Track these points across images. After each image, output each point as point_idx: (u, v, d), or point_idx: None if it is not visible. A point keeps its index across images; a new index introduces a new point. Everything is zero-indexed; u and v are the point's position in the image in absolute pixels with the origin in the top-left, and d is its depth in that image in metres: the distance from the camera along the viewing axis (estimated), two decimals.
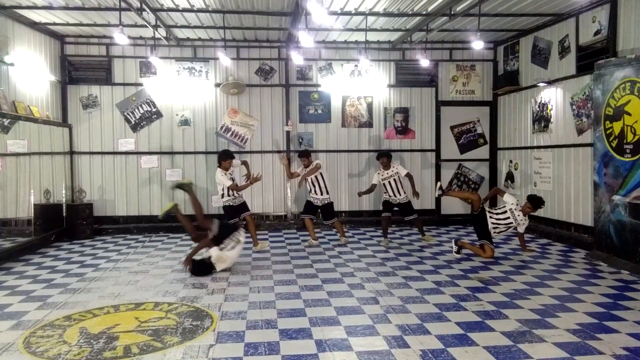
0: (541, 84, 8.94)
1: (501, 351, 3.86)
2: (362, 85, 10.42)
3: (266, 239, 8.84)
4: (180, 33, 9.43)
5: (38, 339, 4.22)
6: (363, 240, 8.78)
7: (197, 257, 6.53)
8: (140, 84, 9.95)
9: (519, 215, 7.23)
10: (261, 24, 8.88)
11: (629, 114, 6.33)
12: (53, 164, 9.19)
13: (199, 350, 3.94)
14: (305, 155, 8.40)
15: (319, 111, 10.38)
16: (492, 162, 10.71)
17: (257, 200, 10.09)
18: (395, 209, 8.58)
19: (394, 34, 9.56)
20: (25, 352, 3.97)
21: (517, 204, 7.31)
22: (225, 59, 9.13)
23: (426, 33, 8.91)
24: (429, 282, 5.95)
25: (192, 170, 10.07)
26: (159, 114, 10.00)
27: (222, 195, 7.91)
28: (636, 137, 6.21)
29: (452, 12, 7.86)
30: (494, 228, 7.26)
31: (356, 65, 10.34)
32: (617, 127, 6.55)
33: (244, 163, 8.33)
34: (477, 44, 8.17)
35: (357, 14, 8.14)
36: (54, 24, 8.69)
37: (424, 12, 8.11)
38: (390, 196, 8.47)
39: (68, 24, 8.75)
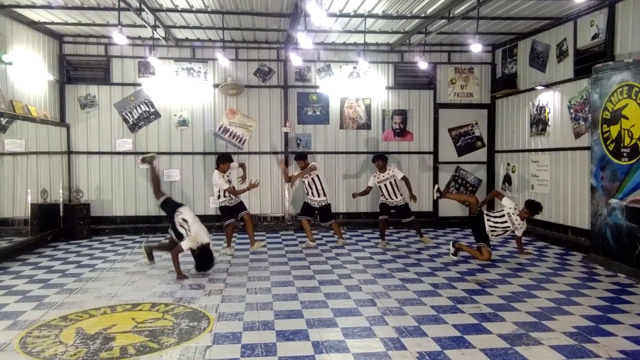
0: (539, 87, 8.96)
1: (498, 354, 3.86)
2: (360, 87, 10.43)
3: (263, 240, 8.84)
4: (179, 33, 9.43)
5: (34, 339, 4.21)
6: (360, 242, 8.79)
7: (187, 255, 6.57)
8: (139, 84, 9.94)
9: (516, 219, 7.25)
10: (260, 25, 8.89)
11: (626, 118, 6.35)
12: (50, 163, 9.17)
13: (196, 351, 3.94)
14: (302, 158, 8.40)
15: (318, 113, 10.39)
16: (490, 164, 10.73)
17: (254, 202, 10.08)
18: (393, 211, 8.59)
19: (393, 36, 9.58)
20: (21, 352, 3.96)
21: (515, 208, 7.32)
22: (223, 60, 9.13)
23: (425, 35, 8.93)
24: (426, 284, 5.96)
25: (190, 170, 10.07)
26: (157, 114, 9.99)
27: (219, 197, 7.91)
28: (633, 141, 6.23)
29: (451, 15, 7.88)
30: (492, 231, 7.28)
31: (355, 67, 10.36)
32: (614, 130, 6.57)
33: (242, 165, 8.32)
34: (476, 47, 8.18)
35: (356, 15, 8.15)
36: (53, 23, 8.68)
37: (423, 15, 8.12)
38: (386, 199, 8.48)
39: (67, 24, 8.75)
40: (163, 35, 8.95)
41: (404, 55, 10.45)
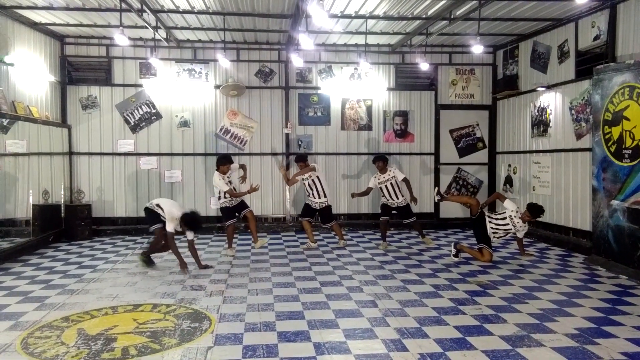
0: (540, 89, 8.96)
1: (499, 355, 3.86)
2: (361, 88, 10.43)
3: (265, 237, 8.87)
4: (181, 34, 9.44)
5: (36, 340, 4.21)
6: (362, 243, 8.78)
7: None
8: (140, 85, 9.95)
9: (518, 222, 7.23)
10: (261, 26, 8.90)
11: (628, 119, 6.35)
12: (52, 164, 9.19)
13: (197, 352, 3.94)
14: (302, 160, 8.40)
15: (319, 114, 10.39)
16: (491, 166, 10.72)
17: (256, 203, 10.06)
18: (394, 212, 8.59)
19: (394, 38, 9.58)
20: (22, 353, 3.96)
21: (517, 211, 7.30)
22: (225, 61, 9.14)
23: (426, 37, 8.93)
24: (428, 285, 5.95)
25: (191, 171, 10.07)
26: (158, 115, 10.00)
27: (219, 198, 7.91)
28: (635, 142, 6.23)
29: (452, 16, 7.88)
30: (494, 233, 7.27)
31: (356, 68, 10.36)
32: (615, 132, 6.57)
33: (242, 167, 8.32)
34: (477, 48, 8.18)
35: (357, 17, 8.15)
36: (54, 24, 8.69)
37: (424, 16, 8.13)
38: (387, 200, 8.48)
39: (68, 25, 8.76)
40: (164, 36, 8.96)
41: (405, 56, 10.45)
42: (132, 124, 9.95)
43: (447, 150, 10.68)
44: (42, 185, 8.88)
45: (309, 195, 8.42)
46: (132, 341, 4.17)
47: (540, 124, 9.07)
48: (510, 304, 5.18)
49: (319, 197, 8.32)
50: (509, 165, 10.16)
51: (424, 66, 9.45)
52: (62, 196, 9.40)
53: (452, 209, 10.41)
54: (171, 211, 6.62)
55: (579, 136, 8.02)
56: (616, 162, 6.55)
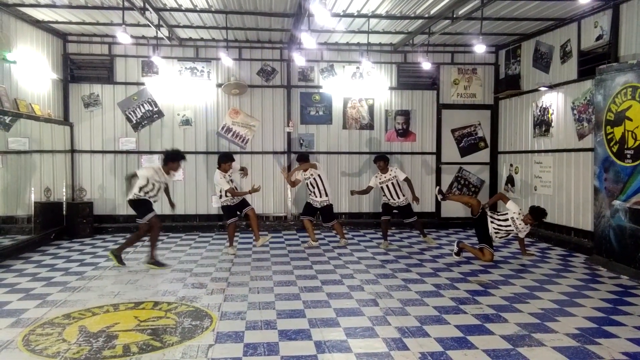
0: (542, 89, 8.95)
1: (500, 355, 3.86)
2: (363, 87, 10.43)
3: (267, 235, 8.88)
4: (183, 33, 9.45)
5: (37, 337, 4.22)
6: (363, 242, 8.78)
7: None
8: (142, 84, 9.95)
9: (520, 224, 7.22)
10: (264, 25, 8.90)
11: (630, 120, 6.34)
12: (54, 162, 9.20)
13: (198, 350, 3.94)
14: (304, 159, 8.40)
15: (320, 113, 10.39)
16: (493, 165, 10.72)
17: (257, 202, 10.06)
18: (395, 211, 8.58)
19: (396, 37, 9.58)
20: (24, 349, 3.97)
21: (519, 213, 7.28)
22: (227, 60, 9.14)
23: (428, 36, 8.93)
24: (429, 284, 5.95)
25: (193, 170, 10.08)
26: (160, 114, 10.01)
27: (220, 196, 7.91)
28: (637, 143, 6.22)
29: (455, 16, 7.87)
30: (495, 233, 7.26)
31: (358, 67, 10.35)
32: (617, 132, 6.56)
33: (243, 169, 8.25)
34: (479, 48, 8.17)
35: (360, 16, 8.15)
36: (57, 22, 8.70)
37: (427, 15, 8.12)
38: (388, 199, 8.47)
39: (71, 23, 8.77)
40: (167, 34, 8.97)
41: (407, 55, 10.45)
42: (134, 122, 9.96)
43: (449, 149, 10.67)
44: (44, 183, 8.90)
45: (310, 194, 8.43)
46: (133, 339, 4.18)
47: (542, 124, 9.06)
48: (511, 304, 5.18)
49: (320, 196, 8.31)
50: (511, 165, 10.15)
51: (426, 65, 9.44)
52: (64, 194, 9.41)
53: (454, 209, 10.40)
54: (149, 166, 7.01)
55: (581, 136, 8.01)
56: (618, 162, 6.54)
